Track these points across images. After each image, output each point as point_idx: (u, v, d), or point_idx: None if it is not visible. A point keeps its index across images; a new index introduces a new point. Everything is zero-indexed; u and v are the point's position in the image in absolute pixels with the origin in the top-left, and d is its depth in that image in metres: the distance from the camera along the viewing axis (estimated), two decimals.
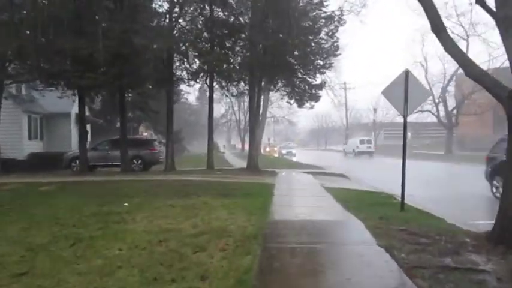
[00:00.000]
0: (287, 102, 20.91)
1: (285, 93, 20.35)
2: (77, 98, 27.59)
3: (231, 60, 18.83)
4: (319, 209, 8.61)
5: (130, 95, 24.11)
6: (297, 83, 19.15)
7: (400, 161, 8.90)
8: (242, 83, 19.85)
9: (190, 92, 60.04)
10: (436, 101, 45.57)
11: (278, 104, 65.23)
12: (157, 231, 6.33)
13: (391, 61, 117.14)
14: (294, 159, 42.33)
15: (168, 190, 11.61)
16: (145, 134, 43.02)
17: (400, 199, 8.88)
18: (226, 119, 76.04)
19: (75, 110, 27.99)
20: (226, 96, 22.16)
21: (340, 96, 58.38)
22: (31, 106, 24.29)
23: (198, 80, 19.53)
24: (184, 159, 36.32)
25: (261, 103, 46.31)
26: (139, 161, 21.08)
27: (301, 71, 18.71)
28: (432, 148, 55.67)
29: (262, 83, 19.70)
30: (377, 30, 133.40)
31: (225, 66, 17.38)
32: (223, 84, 19.80)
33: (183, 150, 53.81)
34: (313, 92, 19.28)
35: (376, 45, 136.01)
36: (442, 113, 47.20)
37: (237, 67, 18.82)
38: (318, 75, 19.43)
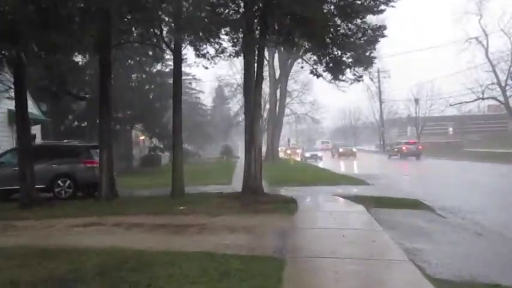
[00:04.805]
0: (311, 73, 11.50)
1: (305, 52, 10.89)
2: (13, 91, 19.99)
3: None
4: None
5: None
6: (331, 35, 10.00)
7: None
8: (229, 41, 10.61)
9: (204, 91, 52.50)
10: (502, 84, 35.76)
11: (299, 100, 56.41)
12: None
13: (436, 40, 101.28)
14: (320, 164, 33.36)
15: None
16: (142, 138, 34.70)
17: None
18: (242, 117, 67.18)
19: (8, 105, 20.04)
20: (207, 68, 12.22)
21: (376, 83, 48.92)
22: None
23: (146, 35, 10.63)
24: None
25: (277, 93, 37.51)
26: (67, 183, 12.57)
27: (339, 11, 9.55)
28: (487, 145, 45.59)
29: (272, 39, 10.57)
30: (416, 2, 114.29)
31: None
32: (195, 41, 10.55)
33: (193, 156, 45.48)
34: (363, 51, 10.05)
35: (415, 23, 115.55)
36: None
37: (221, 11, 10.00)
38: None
